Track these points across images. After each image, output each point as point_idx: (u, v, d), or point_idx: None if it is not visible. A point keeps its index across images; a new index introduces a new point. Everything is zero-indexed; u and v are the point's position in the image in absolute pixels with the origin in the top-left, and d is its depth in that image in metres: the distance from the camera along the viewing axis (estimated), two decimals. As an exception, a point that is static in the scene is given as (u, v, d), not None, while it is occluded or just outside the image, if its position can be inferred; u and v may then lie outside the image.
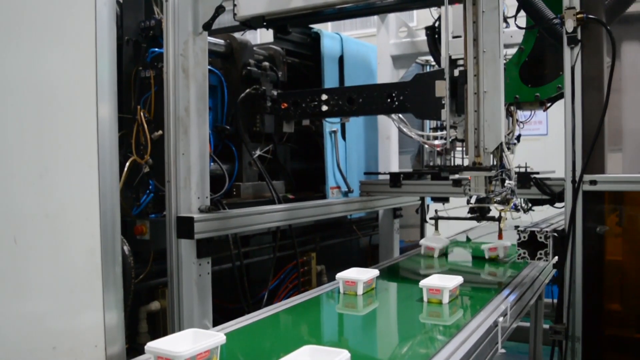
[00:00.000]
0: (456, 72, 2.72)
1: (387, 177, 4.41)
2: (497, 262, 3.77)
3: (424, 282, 2.73)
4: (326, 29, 5.09)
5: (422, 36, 4.51)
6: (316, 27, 4.53)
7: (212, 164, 3.39)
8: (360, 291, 2.85)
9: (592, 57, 2.61)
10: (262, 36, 5.33)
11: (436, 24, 3.90)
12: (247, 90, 3.71)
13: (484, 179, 2.68)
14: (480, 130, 2.61)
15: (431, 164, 5.41)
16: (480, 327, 2.34)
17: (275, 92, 3.78)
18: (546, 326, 3.09)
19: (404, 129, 3.83)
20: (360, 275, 2.91)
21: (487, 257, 3.77)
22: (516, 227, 2.98)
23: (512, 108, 3.58)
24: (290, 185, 4.22)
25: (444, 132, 3.08)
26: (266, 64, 3.87)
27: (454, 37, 2.78)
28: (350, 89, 3.59)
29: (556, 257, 2.87)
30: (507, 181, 2.67)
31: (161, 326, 3.25)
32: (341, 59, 4.60)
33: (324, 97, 3.54)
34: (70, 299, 1.83)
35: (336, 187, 4.48)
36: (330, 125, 4.41)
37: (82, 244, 1.88)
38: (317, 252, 4.38)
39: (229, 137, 3.73)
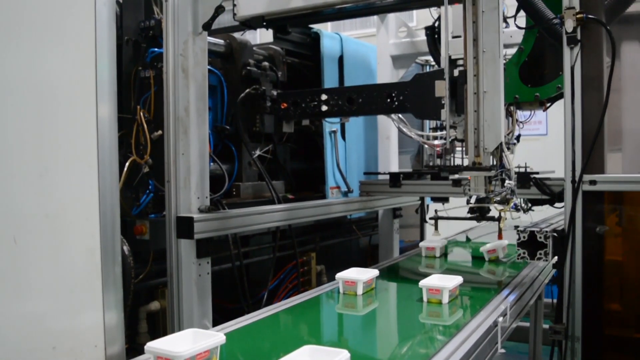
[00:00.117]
0: (456, 72, 2.72)
1: (387, 177, 4.41)
2: (496, 262, 3.76)
3: (423, 282, 2.73)
4: (326, 29, 5.09)
5: (421, 36, 4.51)
6: (316, 27, 4.53)
7: (211, 164, 3.39)
8: (360, 291, 2.85)
9: (592, 57, 2.61)
10: (262, 36, 5.34)
11: (436, 24, 3.90)
12: (247, 90, 3.71)
13: (483, 179, 2.68)
14: (480, 130, 2.62)
15: (431, 164, 5.41)
16: (480, 327, 2.33)
17: (275, 92, 3.78)
18: (546, 326, 3.09)
19: (404, 129, 3.84)
20: (360, 275, 2.91)
21: (486, 259, 3.77)
22: (516, 227, 2.98)
23: (511, 108, 3.59)
24: (290, 185, 4.22)
25: (444, 132, 3.09)
26: (266, 64, 3.87)
27: (454, 37, 2.78)
28: (350, 89, 3.59)
29: (556, 257, 2.87)
30: (506, 181, 2.67)
31: (161, 326, 3.25)
32: (341, 59, 4.60)
33: (324, 97, 3.54)
34: (70, 299, 1.83)
35: (336, 187, 4.48)
36: (330, 125, 4.41)
37: (82, 244, 1.88)
38: (317, 252, 4.38)
39: (229, 137, 3.73)
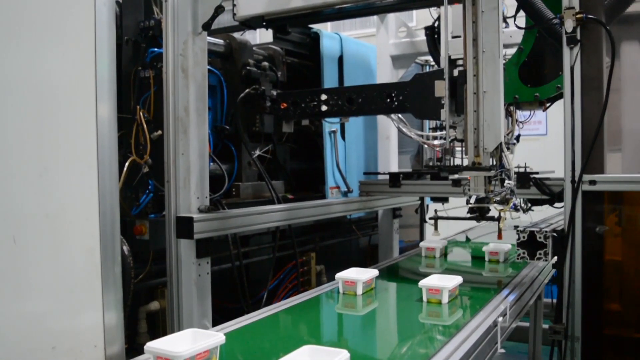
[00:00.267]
0: (456, 72, 2.72)
1: (387, 177, 4.42)
2: (496, 262, 3.76)
3: (423, 282, 2.73)
4: (326, 29, 5.10)
5: (421, 36, 4.51)
6: (316, 27, 4.53)
7: (211, 163, 3.39)
8: (359, 291, 2.85)
9: (592, 57, 2.61)
10: (262, 36, 5.34)
11: (435, 24, 3.90)
12: (247, 90, 3.71)
13: (483, 179, 2.68)
14: (480, 130, 2.62)
15: (430, 164, 5.41)
16: (479, 327, 2.33)
17: (274, 92, 3.78)
18: (545, 326, 3.09)
19: (404, 129, 3.84)
20: (359, 275, 2.91)
21: (487, 259, 3.77)
22: (515, 227, 2.98)
23: (511, 108, 3.58)
24: (289, 185, 4.22)
25: (444, 132, 3.08)
26: (265, 64, 3.87)
27: (454, 37, 2.78)
28: (350, 89, 3.59)
29: (555, 257, 2.87)
30: (506, 181, 2.67)
31: (160, 326, 3.25)
32: (340, 59, 4.60)
33: (324, 97, 3.54)
34: (70, 299, 1.83)
35: (336, 187, 4.48)
36: (330, 125, 4.41)
37: (81, 244, 1.88)
38: (317, 252, 4.38)
39: (229, 137, 3.73)
